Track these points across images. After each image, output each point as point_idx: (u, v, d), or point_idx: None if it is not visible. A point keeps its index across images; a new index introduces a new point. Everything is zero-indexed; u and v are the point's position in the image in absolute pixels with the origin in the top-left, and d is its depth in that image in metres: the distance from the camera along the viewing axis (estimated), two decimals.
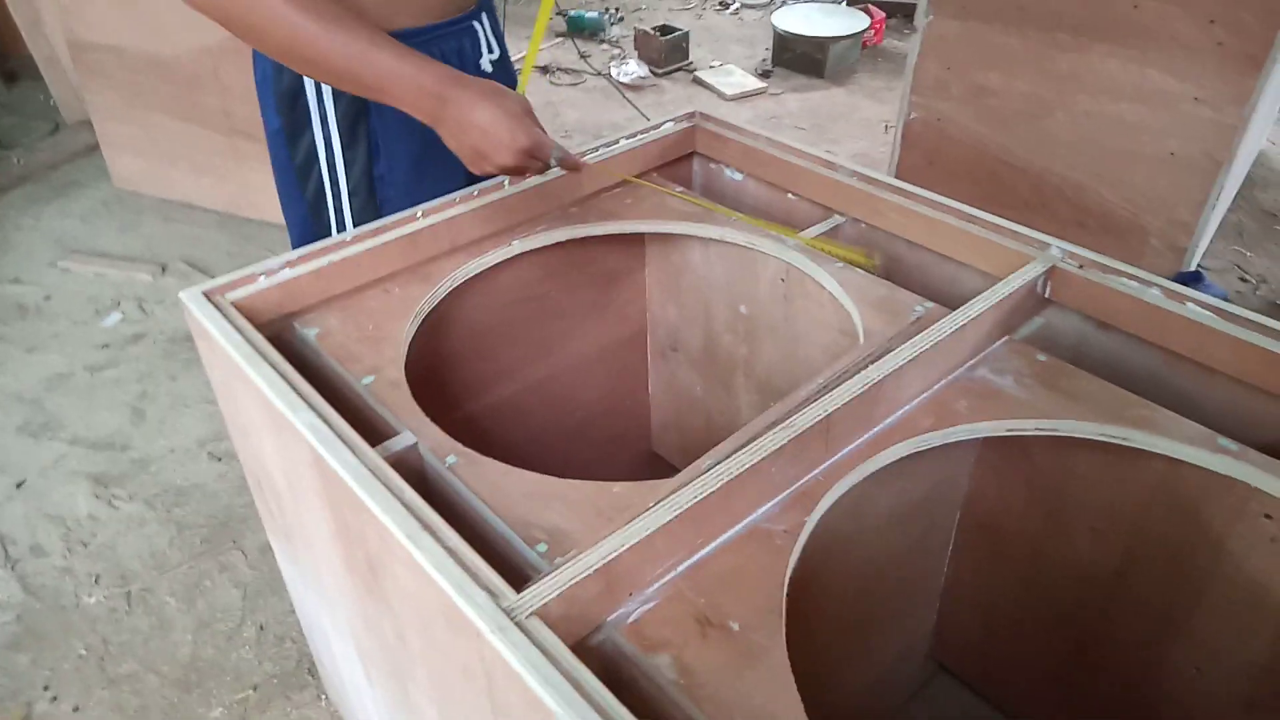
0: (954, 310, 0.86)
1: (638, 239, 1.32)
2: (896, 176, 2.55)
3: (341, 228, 1.19)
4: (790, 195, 1.22)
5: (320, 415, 0.77)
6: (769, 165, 1.22)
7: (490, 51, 1.20)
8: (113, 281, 2.39)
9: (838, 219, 1.14)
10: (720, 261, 1.22)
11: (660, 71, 3.67)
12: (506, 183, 1.16)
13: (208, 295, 0.94)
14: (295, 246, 1.23)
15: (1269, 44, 1.76)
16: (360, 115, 1.10)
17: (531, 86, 3.63)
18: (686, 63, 3.74)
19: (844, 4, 3.93)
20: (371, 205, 1.17)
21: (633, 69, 3.60)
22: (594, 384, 1.42)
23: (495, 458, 0.78)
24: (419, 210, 1.08)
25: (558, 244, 1.15)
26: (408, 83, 0.90)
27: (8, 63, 3.63)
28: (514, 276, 1.19)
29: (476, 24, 1.18)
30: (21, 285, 2.39)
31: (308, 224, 1.20)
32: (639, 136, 1.26)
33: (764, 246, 1.10)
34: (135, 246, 2.55)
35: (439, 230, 1.08)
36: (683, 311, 1.34)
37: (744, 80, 3.54)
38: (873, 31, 3.68)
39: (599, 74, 3.69)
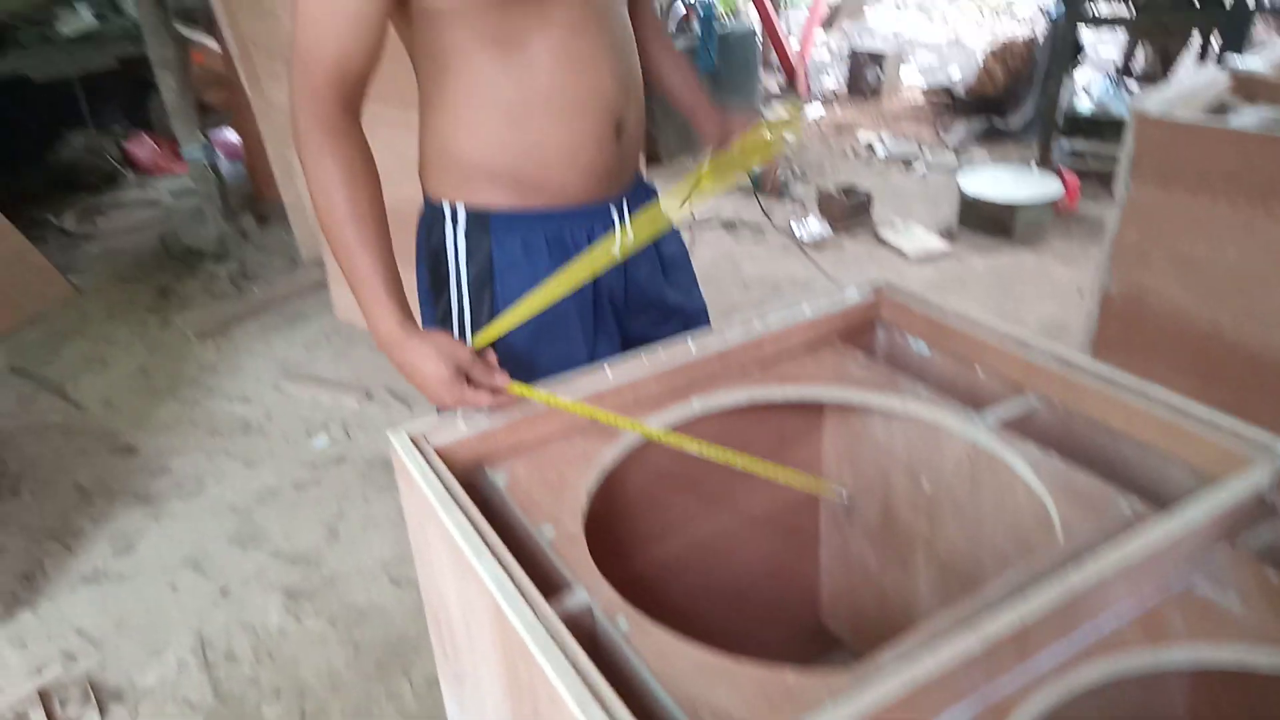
0: (1162, 509, 0.80)
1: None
2: (1094, 347, 2.43)
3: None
4: (979, 370, 1.19)
5: (504, 567, 0.80)
6: (956, 338, 1.20)
7: (626, 237, 1.19)
8: (323, 406, 2.63)
9: (1031, 399, 1.10)
10: (902, 434, 1.19)
11: (841, 229, 3.73)
12: (691, 342, 1.19)
13: (413, 439, 1.02)
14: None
15: None
16: (486, 281, 1.15)
17: (714, 240, 3.79)
18: (868, 221, 3.78)
19: (1034, 167, 3.89)
20: None
21: (814, 227, 3.68)
22: (763, 546, 1.40)
23: (662, 615, 0.78)
24: (608, 370, 1.14)
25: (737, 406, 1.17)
26: (370, 321, 1.03)
27: (261, 206, 4.19)
28: (692, 431, 1.21)
29: (614, 209, 1.18)
30: (248, 404, 2.66)
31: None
32: (823, 304, 1.28)
33: (950, 425, 1.07)
34: (346, 374, 2.80)
35: (624, 390, 1.12)
36: (860, 479, 1.31)
37: (927, 240, 3.54)
38: (1065, 198, 3.60)
39: (781, 231, 3.80)
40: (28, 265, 3.26)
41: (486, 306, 1.16)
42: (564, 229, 1.15)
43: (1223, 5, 3.56)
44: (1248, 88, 2.30)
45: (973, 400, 1.15)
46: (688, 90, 1.36)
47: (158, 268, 3.67)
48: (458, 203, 1.13)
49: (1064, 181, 3.60)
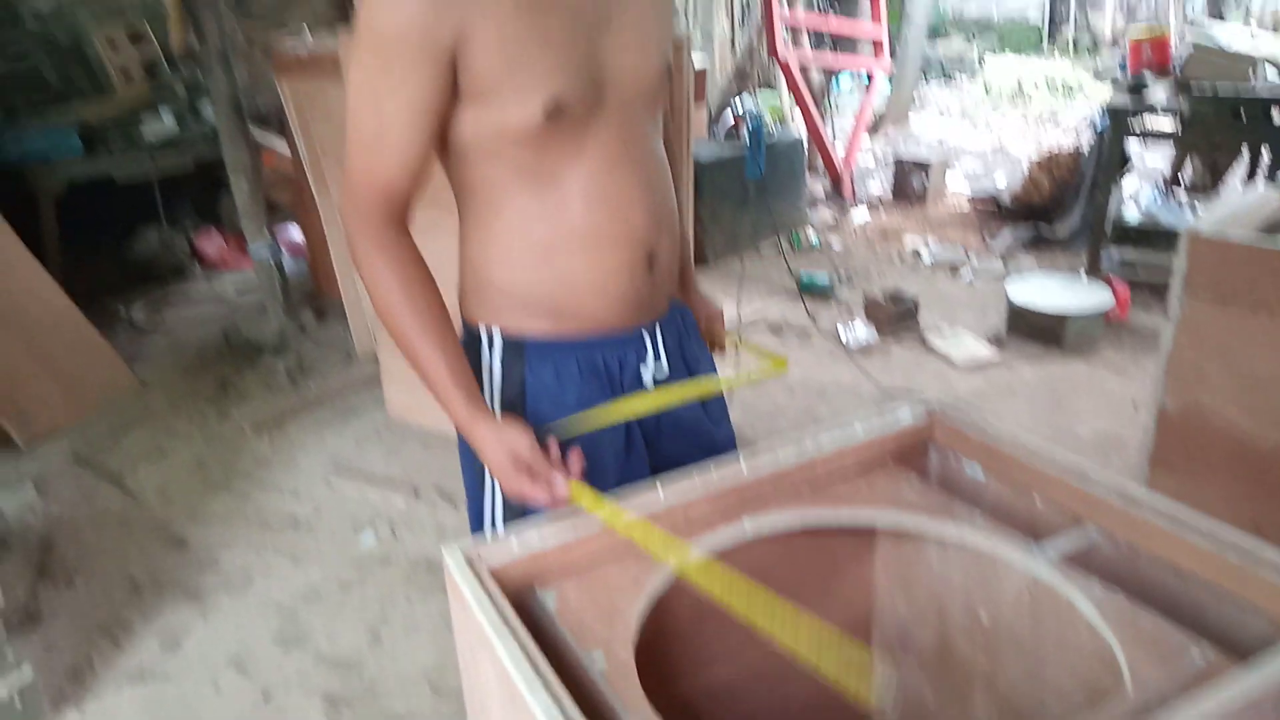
0: (1239, 659, 0.77)
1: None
2: (1152, 464, 2.37)
3: (494, 510, 1.21)
4: (1037, 498, 1.17)
5: (556, 701, 0.80)
6: (1012, 465, 1.19)
7: (658, 359, 1.21)
8: (372, 503, 2.65)
9: (1091, 531, 1.08)
10: (959, 563, 1.17)
11: (888, 335, 3.73)
12: (742, 464, 1.20)
13: (468, 558, 1.03)
14: (470, 517, 1.26)
15: None
16: (518, 406, 1.17)
17: (760, 343, 3.81)
18: (915, 327, 3.78)
19: (1083, 276, 3.88)
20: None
21: (860, 332, 3.69)
22: (815, 674, 1.37)
23: None
24: (660, 489, 1.14)
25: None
26: (443, 405, 1.08)
27: (321, 301, 4.32)
28: (742, 554, 1.20)
29: (647, 336, 1.20)
30: (298, 499, 2.70)
31: (477, 500, 1.23)
32: (875, 424, 1.28)
33: (1009, 557, 1.05)
34: (396, 471, 2.83)
35: (675, 511, 1.12)
36: (913, 608, 1.28)
37: (975, 348, 3.52)
38: (1116, 308, 3.57)
39: (827, 335, 3.81)
40: (98, 358, 3.39)
41: None
42: (597, 355, 1.17)
43: (1271, 122, 3.58)
44: None
45: (1031, 528, 1.13)
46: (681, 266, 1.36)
47: (219, 360, 3.79)
48: (494, 327, 1.17)
49: (1114, 291, 3.58)
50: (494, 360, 1.17)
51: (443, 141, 1.07)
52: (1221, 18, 4.95)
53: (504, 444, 1.04)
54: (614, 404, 1.16)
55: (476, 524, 1.25)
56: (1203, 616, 0.97)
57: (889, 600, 1.34)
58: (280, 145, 4.66)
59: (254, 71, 5.23)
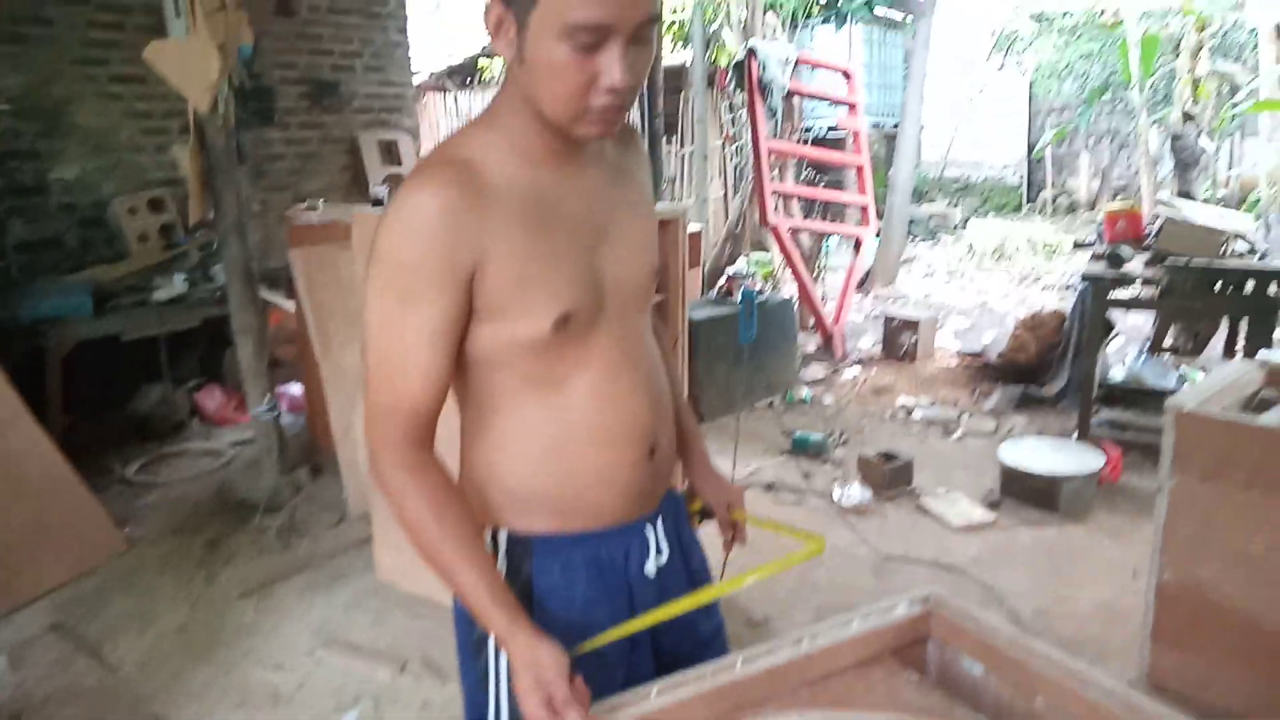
0: None
1: None
2: (1154, 640, 2.32)
3: (498, 710, 1.18)
4: (1040, 699, 1.15)
5: None
6: (1013, 666, 1.17)
7: (659, 554, 1.24)
8: (356, 676, 2.57)
9: None
10: None
11: (883, 496, 3.73)
12: (738, 663, 1.18)
13: None
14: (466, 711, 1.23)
15: None
16: (526, 600, 1.15)
17: (753, 501, 3.80)
18: (909, 488, 3.79)
19: (1075, 438, 3.92)
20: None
21: (855, 493, 3.69)
22: None
23: None
24: (654, 690, 1.12)
25: None
26: (481, 621, 1.07)
27: (317, 456, 4.31)
28: None
29: (649, 527, 1.23)
30: (281, 672, 2.62)
31: (475, 697, 1.21)
32: (872, 619, 1.27)
33: None
34: (382, 640, 2.76)
35: (669, 711, 1.10)
36: None
37: (970, 511, 3.51)
38: (1108, 469, 3.59)
39: (821, 495, 3.81)
40: (89, 521, 3.34)
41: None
42: (601, 549, 1.19)
43: (1243, 292, 3.71)
44: None
45: None
46: (687, 442, 1.39)
47: (210, 519, 3.75)
48: (500, 529, 1.18)
49: (1106, 453, 3.61)
50: (500, 561, 1.18)
51: (460, 358, 1.12)
52: (1190, 196, 5.21)
53: (532, 664, 1.01)
54: (630, 622, 1.17)
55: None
56: None
57: None
58: (287, 304, 4.78)
59: (267, 234, 5.44)
